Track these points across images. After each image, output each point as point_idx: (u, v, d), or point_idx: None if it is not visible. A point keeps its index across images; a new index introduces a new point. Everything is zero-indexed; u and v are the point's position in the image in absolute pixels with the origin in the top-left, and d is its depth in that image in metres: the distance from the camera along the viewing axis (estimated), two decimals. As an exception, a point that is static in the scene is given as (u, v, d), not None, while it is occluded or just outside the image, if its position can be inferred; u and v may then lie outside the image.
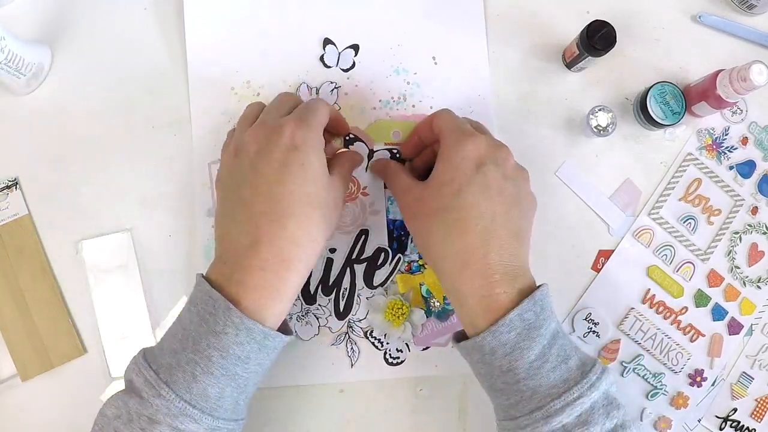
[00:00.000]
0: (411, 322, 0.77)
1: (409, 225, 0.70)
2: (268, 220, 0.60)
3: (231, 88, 0.80)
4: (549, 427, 0.57)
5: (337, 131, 0.76)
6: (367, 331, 0.78)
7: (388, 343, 0.78)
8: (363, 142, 0.79)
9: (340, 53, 0.81)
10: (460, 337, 0.65)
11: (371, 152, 0.79)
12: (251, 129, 0.64)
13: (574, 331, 0.80)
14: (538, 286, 0.62)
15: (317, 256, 0.64)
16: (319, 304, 0.78)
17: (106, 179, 0.79)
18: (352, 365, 0.78)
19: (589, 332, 0.80)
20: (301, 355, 0.77)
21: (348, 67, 0.81)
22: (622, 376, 0.80)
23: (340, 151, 0.76)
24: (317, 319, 0.78)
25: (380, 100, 0.81)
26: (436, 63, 0.82)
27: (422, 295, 0.78)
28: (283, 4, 0.82)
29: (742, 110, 0.84)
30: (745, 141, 0.83)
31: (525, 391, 0.59)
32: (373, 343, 0.78)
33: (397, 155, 0.79)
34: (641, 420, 0.80)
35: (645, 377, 0.81)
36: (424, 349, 0.78)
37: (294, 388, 0.77)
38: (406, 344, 0.78)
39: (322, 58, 0.81)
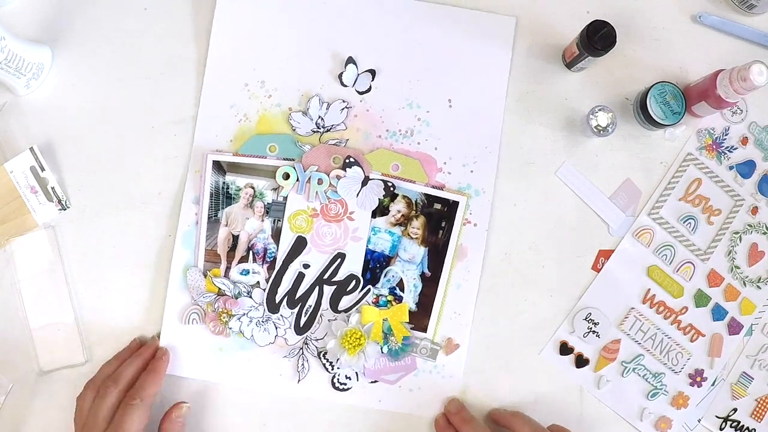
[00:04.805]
0: (365, 353, 0.77)
1: None
2: None
3: (245, 84, 0.80)
4: None
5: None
6: (321, 352, 0.78)
7: (338, 368, 0.78)
8: (361, 167, 0.78)
9: (359, 75, 0.80)
10: None
11: (366, 179, 0.79)
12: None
13: (574, 331, 0.80)
14: None
15: None
16: (281, 315, 0.78)
17: (105, 179, 0.79)
18: (299, 381, 0.78)
19: (589, 332, 0.80)
20: (253, 359, 0.78)
21: (364, 90, 0.81)
22: (623, 376, 0.80)
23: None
24: (276, 328, 0.78)
25: (387, 130, 0.80)
26: (450, 106, 0.81)
27: (383, 331, 0.78)
28: (314, 14, 0.82)
29: (742, 110, 0.84)
30: (745, 141, 0.83)
31: None
32: (324, 365, 0.78)
33: (392, 188, 0.78)
34: (641, 420, 0.80)
35: (645, 377, 0.81)
36: (372, 382, 0.78)
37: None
38: (356, 373, 0.78)
39: (340, 76, 0.80)
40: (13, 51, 0.72)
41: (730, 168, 0.83)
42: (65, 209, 0.78)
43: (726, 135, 0.83)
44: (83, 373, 0.76)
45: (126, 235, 0.79)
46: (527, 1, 0.83)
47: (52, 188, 0.77)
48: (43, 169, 0.77)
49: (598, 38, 0.74)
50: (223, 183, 0.78)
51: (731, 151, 0.83)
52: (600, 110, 0.78)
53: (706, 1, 0.85)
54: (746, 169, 0.83)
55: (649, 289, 0.81)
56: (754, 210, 0.83)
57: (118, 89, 0.80)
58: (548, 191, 0.81)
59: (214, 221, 0.78)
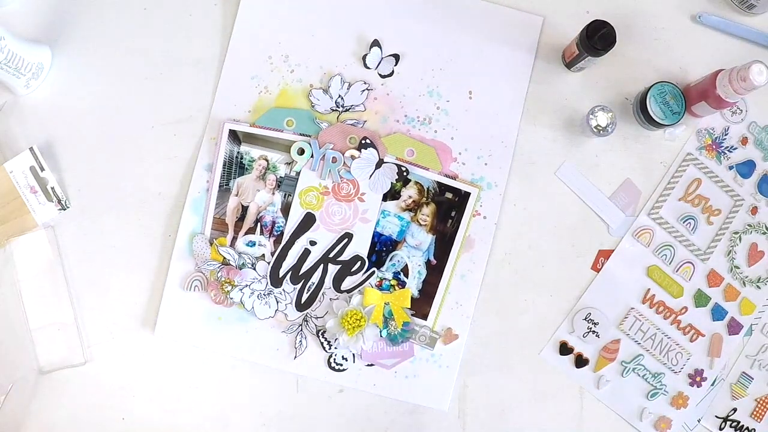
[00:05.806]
0: (364, 335, 0.77)
1: None
2: None
3: (268, 57, 0.81)
4: None
5: None
6: (320, 330, 0.78)
7: (336, 348, 0.78)
8: (376, 149, 0.79)
9: (383, 58, 0.81)
10: None
11: (381, 161, 0.79)
12: None
13: (574, 331, 0.80)
14: None
15: None
16: (283, 289, 0.79)
17: (105, 179, 0.79)
18: (295, 357, 0.78)
19: (589, 332, 0.80)
20: (251, 331, 0.78)
21: (386, 74, 0.81)
22: (622, 376, 0.80)
23: None
24: (277, 302, 0.78)
25: (405, 115, 0.81)
26: (470, 97, 0.81)
27: (384, 315, 0.78)
28: None
29: (741, 110, 0.84)
30: (744, 141, 0.83)
31: None
32: (321, 344, 0.78)
33: (405, 173, 0.79)
34: (641, 420, 0.80)
35: (645, 377, 0.81)
36: (368, 365, 0.79)
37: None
38: (353, 355, 0.79)
39: (364, 58, 0.81)
40: (13, 51, 0.72)
41: (730, 168, 0.83)
42: (65, 209, 0.78)
43: (726, 135, 0.83)
44: (83, 373, 0.76)
45: (126, 235, 0.79)
46: (527, 1, 0.83)
47: (52, 188, 0.77)
48: (42, 169, 0.77)
49: (598, 38, 0.74)
50: (238, 153, 0.79)
51: (731, 151, 0.83)
52: (600, 110, 0.78)
53: (706, 1, 0.85)
54: (746, 169, 0.83)
55: (649, 289, 0.81)
56: (754, 210, 0.83)
57: (118, 89, 0.80)
58: (548, 191, 0.81)
59: (224, 190, 0.79)
